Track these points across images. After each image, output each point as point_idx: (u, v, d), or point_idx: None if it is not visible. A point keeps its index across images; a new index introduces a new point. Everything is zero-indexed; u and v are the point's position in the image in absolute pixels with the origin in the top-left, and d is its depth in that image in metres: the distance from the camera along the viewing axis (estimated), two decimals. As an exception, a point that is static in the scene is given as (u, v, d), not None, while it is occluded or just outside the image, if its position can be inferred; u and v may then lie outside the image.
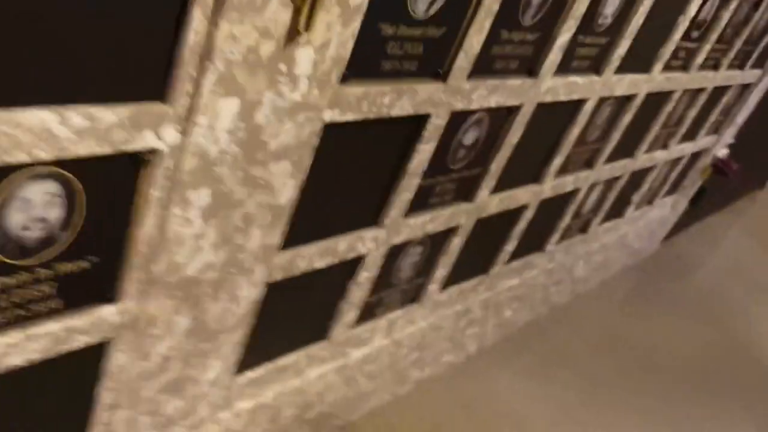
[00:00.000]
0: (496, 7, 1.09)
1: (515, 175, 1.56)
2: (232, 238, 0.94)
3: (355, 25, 0.87)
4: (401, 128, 1.12)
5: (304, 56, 0.83)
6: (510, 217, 1.71)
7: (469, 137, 1.31)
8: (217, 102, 0.77)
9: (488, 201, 1.53)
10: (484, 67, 1.19)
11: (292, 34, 0.79)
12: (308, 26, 0.78)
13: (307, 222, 1.09)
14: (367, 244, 1.25)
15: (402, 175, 1.20)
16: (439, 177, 1.32)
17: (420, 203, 1.32)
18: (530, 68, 1.32)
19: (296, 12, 0.77)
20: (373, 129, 1.06)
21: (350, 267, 1.28)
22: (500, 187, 1.54)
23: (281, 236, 1.03)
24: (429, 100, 1.10)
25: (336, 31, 0.84)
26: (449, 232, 1.50)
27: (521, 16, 1.19)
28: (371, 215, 1.23)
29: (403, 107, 1.06)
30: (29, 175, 0.69)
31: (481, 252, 1.72)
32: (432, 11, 0.99)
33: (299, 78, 0.84)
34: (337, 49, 0.86)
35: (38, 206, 0.72)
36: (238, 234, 0.94)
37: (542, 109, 1.43)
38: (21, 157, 0.66)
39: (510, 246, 1.81)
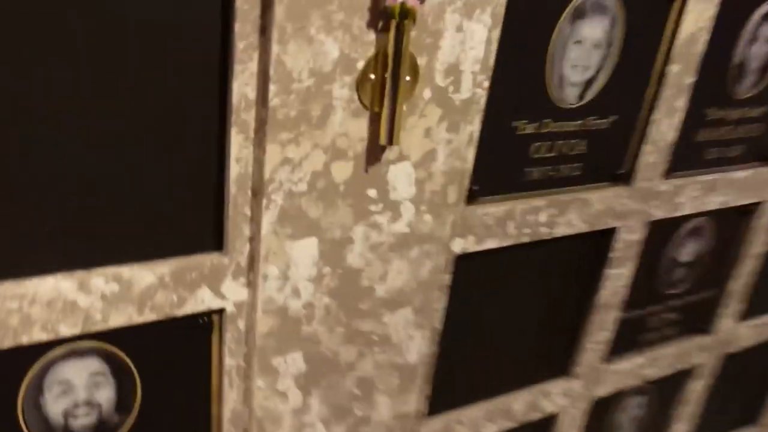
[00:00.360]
0: (688, 80, 0.81)
1: (772, 294, 1.17)
2: (350, 410, 0.74)
3: (472, 126, 0.67)
4: (577, 249, 0.86)
5: (399, 175, 0.64)
6: (776, 348, 1.28)
7: (686, 251, 0.99)
8: (285, 245, 0.61)
9: (736, 330, 1.15)
10: (688, 160, 0.89)
11: (376, 150, 0.62)
12: (392, 138, 0.60)
13: (458, 379, 0.86)
14: (557, 399, 0.96)
15: (590, 309, 0.92)
16: (652, 306, 1.01)
17: (628, 342, 1.01)
18: (764, 153, 0.98)
19: (375, 122, 0.60)
20: (534, 254, 0.82)
21: (539, 430, 0.99)
22: (752, 311, 1.16)
23: (422, 401, 0.81)
24: (609, 210, 0.84)
25: (440, 137, 0.65)
26: (683, 375, 1.14)
27: (734, 87, 0.89)
28: (556, 364, 0.95)
29: (571, 224, 0.81)
30: (62, 354, 0.58)
31: (741, 397, 1.30)
32: (588, 96, 0.75)
33: (400, 204, 0.66)
34: (449, 160, 0.67)
35: (81, 388, 0.60)
36: (356, 403, 0.74)
37: (795, 203, 1.06)
38: (43, 336, 0.55)
39: (784, 387, 1.35)
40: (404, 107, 0.60)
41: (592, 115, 0.77)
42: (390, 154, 0.62)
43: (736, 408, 1.30)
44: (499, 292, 0.83)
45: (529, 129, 0.73)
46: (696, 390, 1.17)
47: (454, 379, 0.85)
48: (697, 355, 1.12)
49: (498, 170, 0.74)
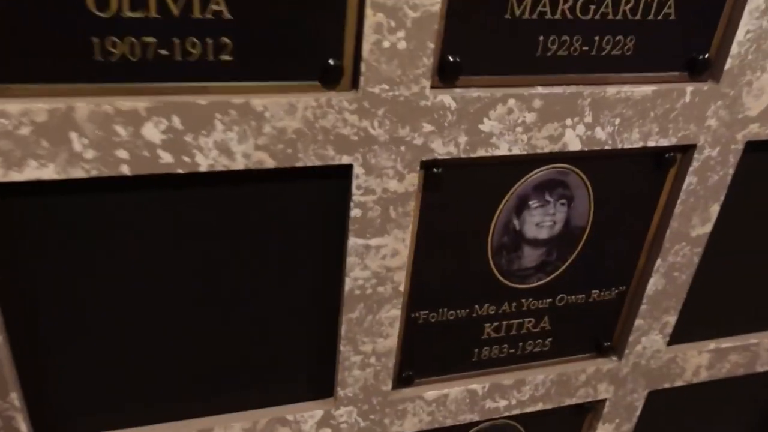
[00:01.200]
0: None
1: (731, 297, 0.74)
2: None
3: None
4: (276, 198, 0.51)
5: None
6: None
7: (538, 221, 0.60)
8: None
9: (672, 356, 0.73)
10: (511, 56, 0.51)
11: None
12: None
13: (119, 388, 0.55)
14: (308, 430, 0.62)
15: (336, 301, 0.57)
16: (485, 304, 0.63)
17: (456, 357, 0.65)
18: (693, 58, 0.56)
19: None
20: (163, 197, 0.49)
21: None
22: (700, 330, 0.74)
23: (47, 414, 0.52)
24: (316, 130, 0.48)
25: None
26: (582, 413, 0.75)
27: None
28: (305, 380, 0.61)
29: (227, 148, 0.47)
30: None
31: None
32: None
33: None
34: None
35: None
36: None
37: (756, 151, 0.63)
38: None
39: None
40: None
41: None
42: None
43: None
44: (113, 249, 0.50)
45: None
46: (608, 436, 0.77)
47: (114, 386, 0.54)
48: (598, 386, 0.72)
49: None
